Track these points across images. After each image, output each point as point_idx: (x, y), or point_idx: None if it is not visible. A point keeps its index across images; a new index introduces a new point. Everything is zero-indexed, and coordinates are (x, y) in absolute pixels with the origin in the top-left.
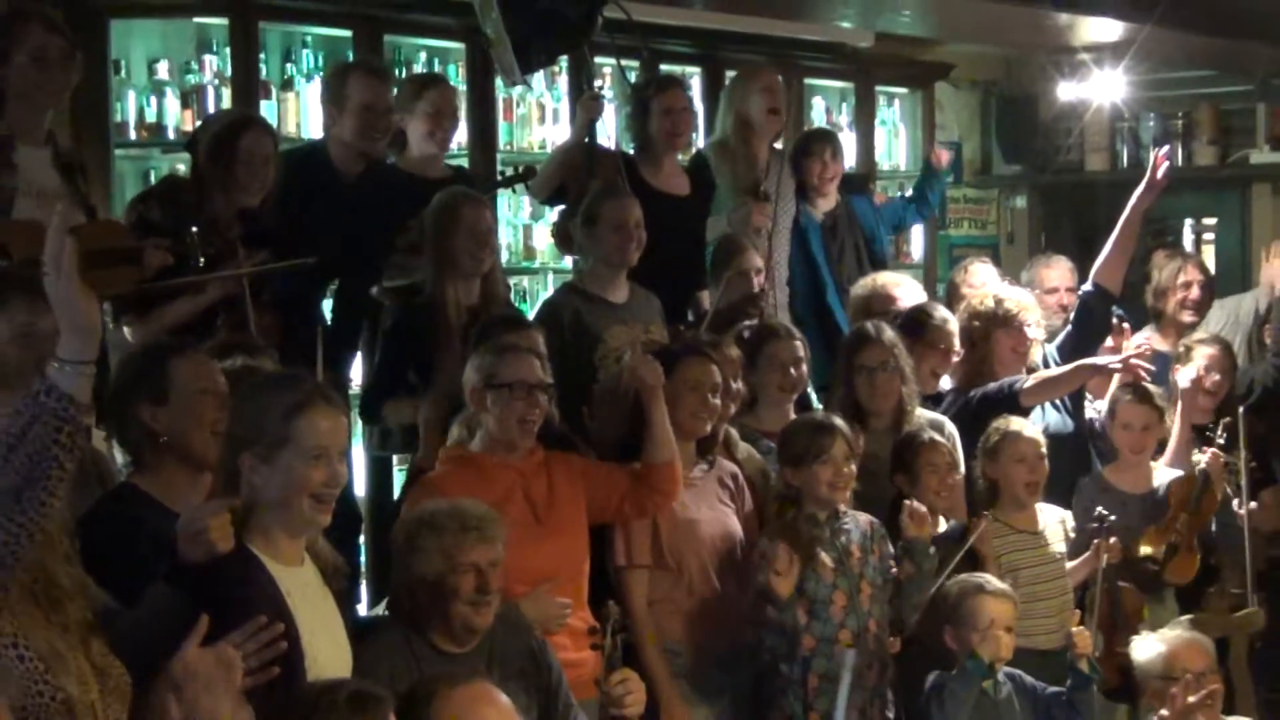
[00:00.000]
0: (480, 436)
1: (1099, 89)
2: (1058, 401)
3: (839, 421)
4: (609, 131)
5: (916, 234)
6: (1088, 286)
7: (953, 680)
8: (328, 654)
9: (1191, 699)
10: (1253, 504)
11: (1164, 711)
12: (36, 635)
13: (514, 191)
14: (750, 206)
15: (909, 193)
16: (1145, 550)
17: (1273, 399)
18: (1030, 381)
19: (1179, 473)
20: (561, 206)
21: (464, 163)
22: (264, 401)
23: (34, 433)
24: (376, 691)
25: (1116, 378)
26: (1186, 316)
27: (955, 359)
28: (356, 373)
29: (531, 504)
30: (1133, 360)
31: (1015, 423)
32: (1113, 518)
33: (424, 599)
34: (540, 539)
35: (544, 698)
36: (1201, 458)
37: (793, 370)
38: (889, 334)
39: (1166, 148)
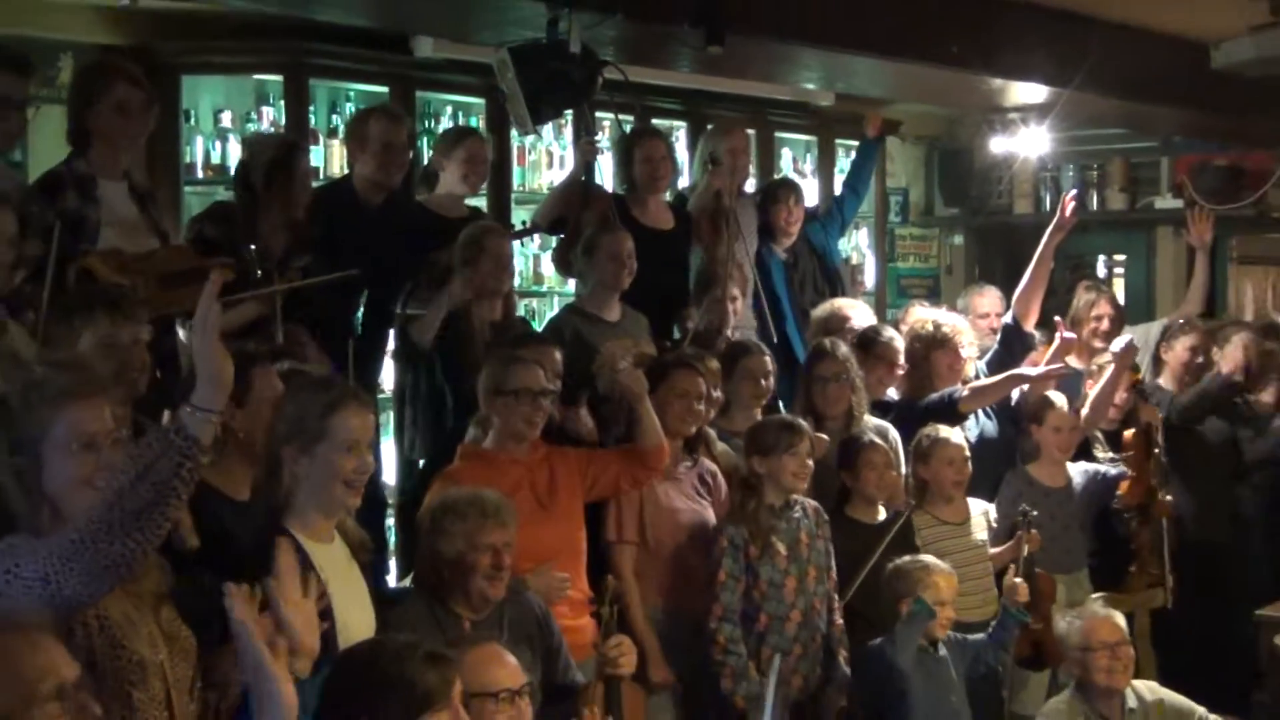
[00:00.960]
0: (492, 435)
1: (1026, 143)
2: (989, 410)
3: (804, 423)
4: (605, 175)
5: (869, 266)
6: (1008, 319)
7: (900, 625)
8: (355, 617)
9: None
10: (1168, 498)
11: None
12: (114, 605)
13: (521, 245)
14: (708, 174)
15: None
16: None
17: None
18: (966, 391)
19: (1089, 467)
20: (561, 235)
21: (483, 198)
22: (304, 401)
23: (160, 465)
24: (448, 653)
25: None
26: (1097, 343)
27: (900, 373)
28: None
29: (536, 493)
30: (1052, 373)
31: (943, 430)
32: (1034, 513)
33: (447, 574)
34: (544, 523)
35: (547, 658)
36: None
37: (763, 381)
38: (844, 350)
39: (1075, 190)
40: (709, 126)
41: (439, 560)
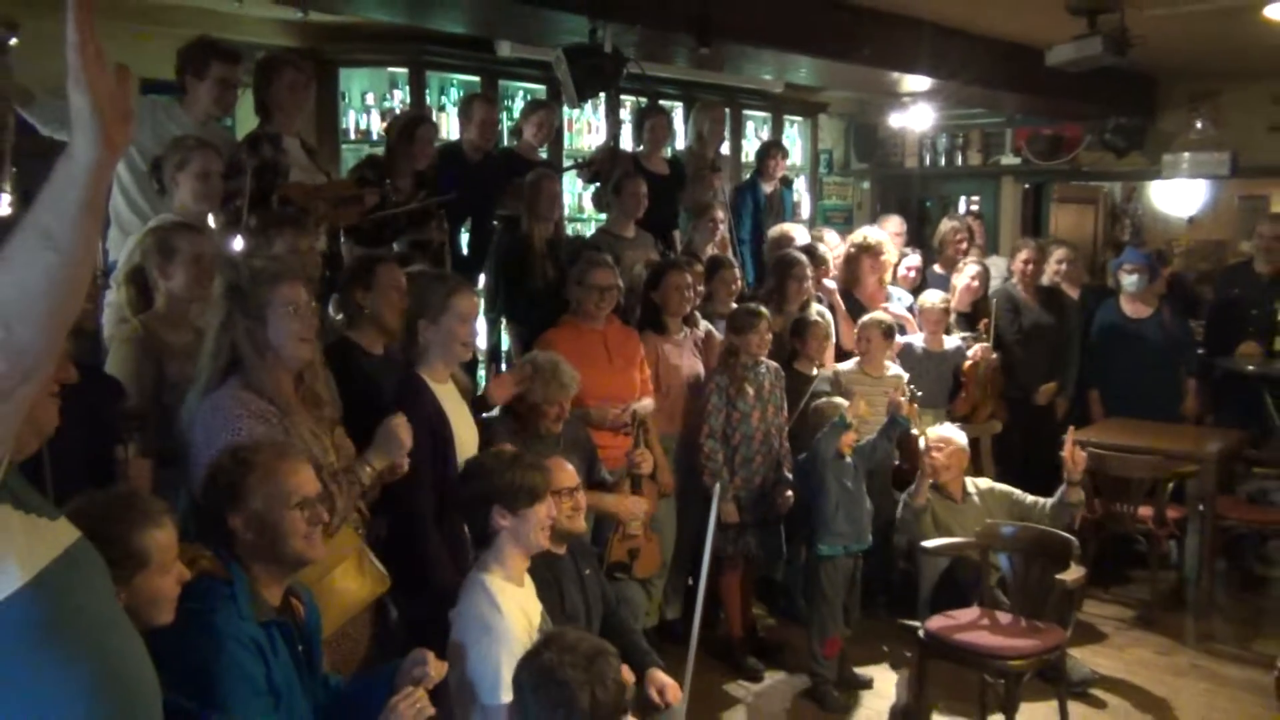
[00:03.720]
0: (576, 312)
1: (915, 118)
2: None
3: (765, 309)
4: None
5: (805, 203)
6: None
7: (824, 432)
8: (465, 436)
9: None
10: (995, 355)
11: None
12: (303, 426)
13: (575, 175)
14: (707, 177)
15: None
16: (960, 413)
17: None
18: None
19: (955, 341)
20: (598, 184)
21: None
22: (433, 287)
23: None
24: (543, 463)
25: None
26: (958, 257)
27: (835, 272)
28: None
29: (607, 352)
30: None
31: (878, 314)
32: (920, 394)
33: (526, 411)
34: (609, 373)
35: (588, 464)
36: (975, 348)
37: (733, 285)
38: (804, 257)
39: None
40: (696, 105)
41: (525, 402)
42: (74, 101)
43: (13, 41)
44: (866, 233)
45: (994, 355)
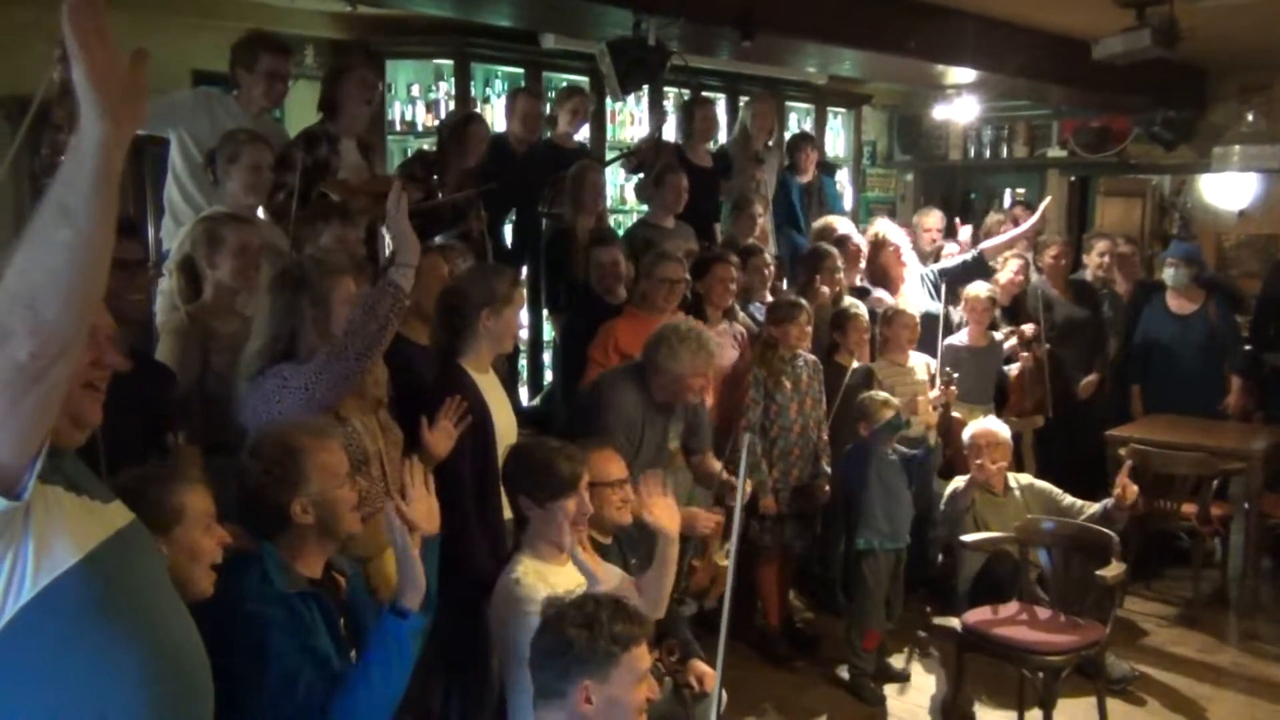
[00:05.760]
0: (642, 303)
1: (959, 110)
2: (932, 292)
3: (805, 301)
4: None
5: (848, 194)
6: (975, 253)
7: (880, 428)
8: (503, 422)
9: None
10: (1047, 345)
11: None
12: (352, 409)
13: (620, 165)
14: (751, 168)
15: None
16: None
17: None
18: (985, 246)
19: (998, 335)
20: (641, 175)
21: (588, 145)
22: (498, 278)
23: (380, 308)
24: (579, 453)
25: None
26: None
27: (863, 262)
28: None
29: None
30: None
31: (901, 304)
32: (956, 375)
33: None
34: None
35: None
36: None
37: (765, 272)
38: (834, 250)
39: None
40: (743, 99)
41: (674, 369)
42: (74, 76)
43: None
44: (879, 228)
45: (1046, 347)
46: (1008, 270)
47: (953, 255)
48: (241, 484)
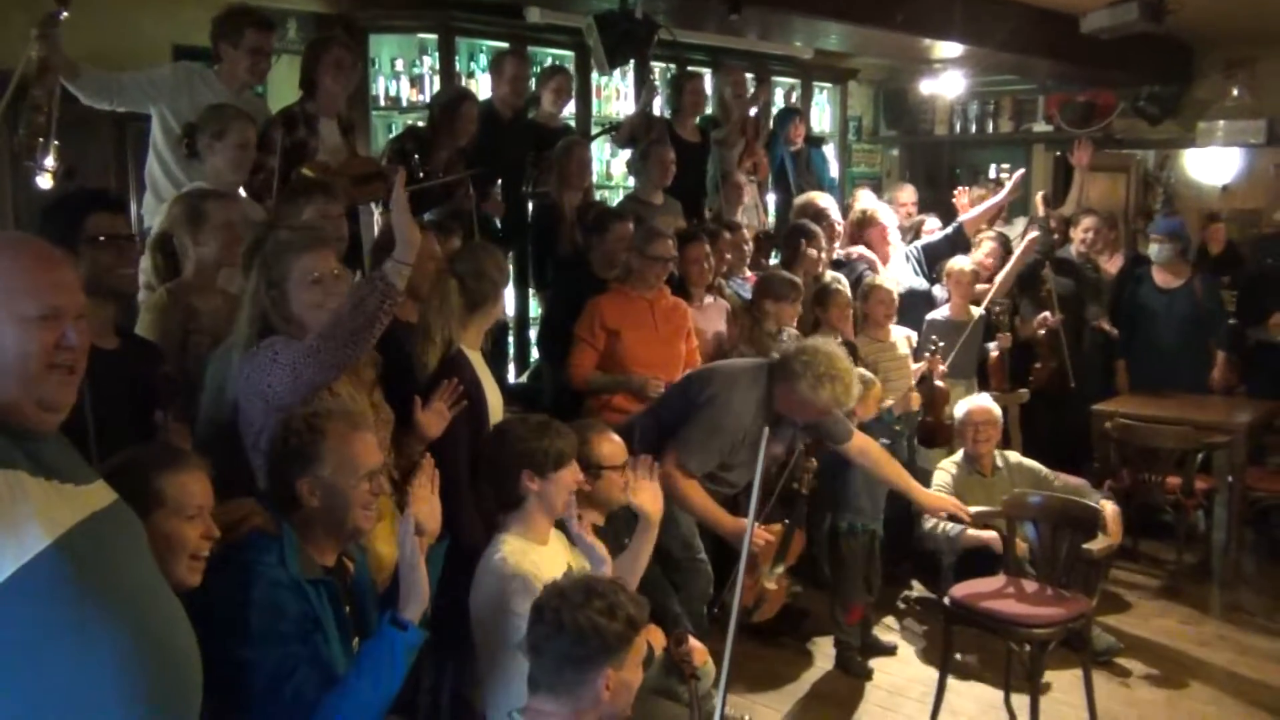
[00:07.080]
0: (632, 280)
1: (945, 85)
2: (917, 269)
3: (797, 278)
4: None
5: (834, 169)
6: (957, 225)
7: (873, 426)
8: (493, 399)
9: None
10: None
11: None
12: (344, 387)
13: (604, 140)
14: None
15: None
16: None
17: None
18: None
19: (981, 310)
20: (631, 150)
21: (573, 122)
22: (498, 259)
23: (369, 300)
24: (569, 429)
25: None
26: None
27: (840, 240)
28: None
29: (654, 320)
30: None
31: (878, 279)
32: (941, 344)
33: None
34: (655, 341)
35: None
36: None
37: (744, 247)
38: (816, 227)
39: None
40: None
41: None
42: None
43: (63, 15)
44: (868, 205)
45: (1058, 316)
46: (980, 252)
47: (933, 231)
48: (268, 454)
